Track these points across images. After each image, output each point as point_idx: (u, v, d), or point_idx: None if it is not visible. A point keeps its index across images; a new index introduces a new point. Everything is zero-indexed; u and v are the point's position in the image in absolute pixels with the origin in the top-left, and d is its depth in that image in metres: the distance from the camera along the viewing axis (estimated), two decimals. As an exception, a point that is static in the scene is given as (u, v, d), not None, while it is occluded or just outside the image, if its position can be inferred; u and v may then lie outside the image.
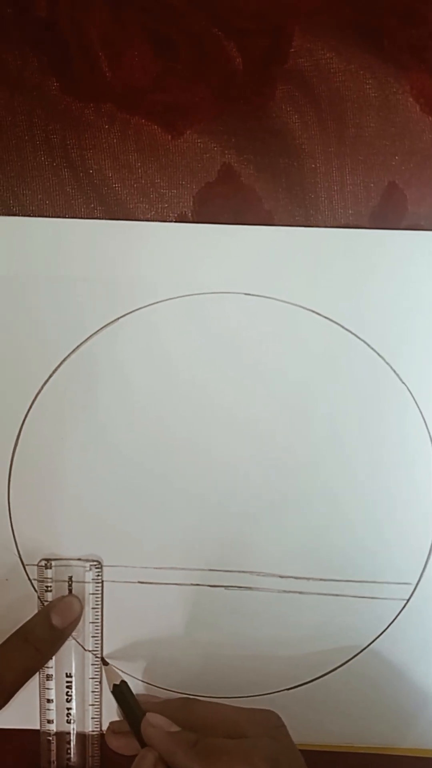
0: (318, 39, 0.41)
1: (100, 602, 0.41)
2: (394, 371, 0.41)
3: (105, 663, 0.41)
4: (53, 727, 0.41)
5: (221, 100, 0.42)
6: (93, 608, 0.41)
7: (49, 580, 0.41)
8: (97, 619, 0.41)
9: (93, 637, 0.41)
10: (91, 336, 0.42)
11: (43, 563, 0.41)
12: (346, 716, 0.41)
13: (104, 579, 0.41)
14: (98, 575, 0.41)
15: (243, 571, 0.41)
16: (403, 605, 0.41)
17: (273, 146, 0.42)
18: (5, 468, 0.42)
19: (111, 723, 0.41)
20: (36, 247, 0.42)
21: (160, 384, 0.42)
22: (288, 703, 0.41)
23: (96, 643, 0.41)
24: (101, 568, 0.41)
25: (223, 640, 0.41)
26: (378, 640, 0.41)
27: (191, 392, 0.42)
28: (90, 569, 0.41)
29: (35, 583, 0.42)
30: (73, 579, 0.41)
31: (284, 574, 0.41)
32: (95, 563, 0.41)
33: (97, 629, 0.41)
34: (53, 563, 0.41)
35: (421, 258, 0.41)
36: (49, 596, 0.41)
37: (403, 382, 0.41)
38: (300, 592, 0.41)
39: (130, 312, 0.42)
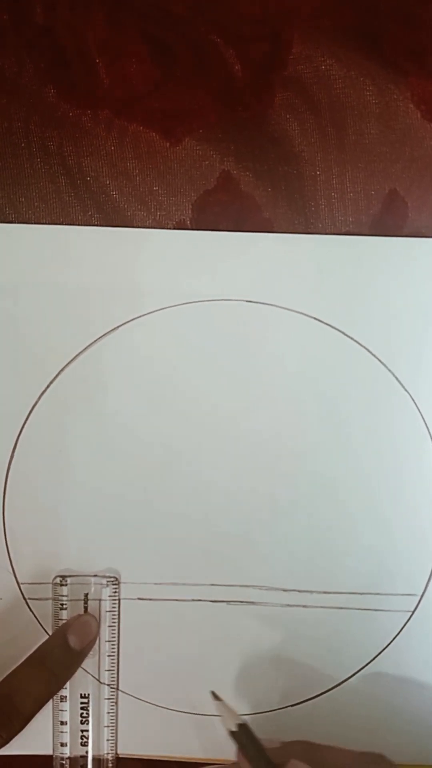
0: (318, 45, 0.41)
1: (117, 620, 0.40)
2: (396, 378, 0.41)
3: (217, 698, 0.37)
4: (67, 751, 0.40)
5: (220, 107, 0.41)
6: (110, 626, 0.40)
7: (64, 597, 0.40)
8: (114, 637, 0.40)
9: (109, 656, 0.40)
10: (89, 345, 0.41)
11: (58, 580, 0.40)
12: (352, 732, 0.40)
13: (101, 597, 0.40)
14: (115, 592, 0.40)
15: (245, 585, 0.41)
16: (408, 617, 0.41)
17: (272, 154, 0.42)
18: (0, 480, 0.41)
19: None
20: (33, 254, 0.41)
21: (160, 393, 0.41)
22: (292, 720, 0.40)
23: (112, 663, 0.40)
24: (118, 584, 0.40)
25: (224, 657, 0.41)
26: (383, 653, 0.40)
27: (192, 401, 0.41)
28: (107, 585, 0.40)
29: (51, 600, 0.40)
30: (89, 596, 0.40)
31: (287, 588, 0.41)
32: (113, 579, 0.40)
33: (113, 648, 0.40)
34: (69, 580, 0.40)
35: (422, 265, 0.41)
36: (64, 614, 0.40)
37: (405, 389, 0.41)
38: (304, 606, 0.41)
39: (130, 320, 0.41)
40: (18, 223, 0.41)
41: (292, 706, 0.40)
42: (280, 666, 0.40)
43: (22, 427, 0.41)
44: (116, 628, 0.40)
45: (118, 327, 0.41)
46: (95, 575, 0.40)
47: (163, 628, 0.41)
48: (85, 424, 0.41)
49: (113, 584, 0.40)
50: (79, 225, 0.41)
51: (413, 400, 0.41)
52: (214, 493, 0.41)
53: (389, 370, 0.41)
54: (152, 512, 0.41)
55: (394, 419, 0.41)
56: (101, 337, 0.41)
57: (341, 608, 0.41)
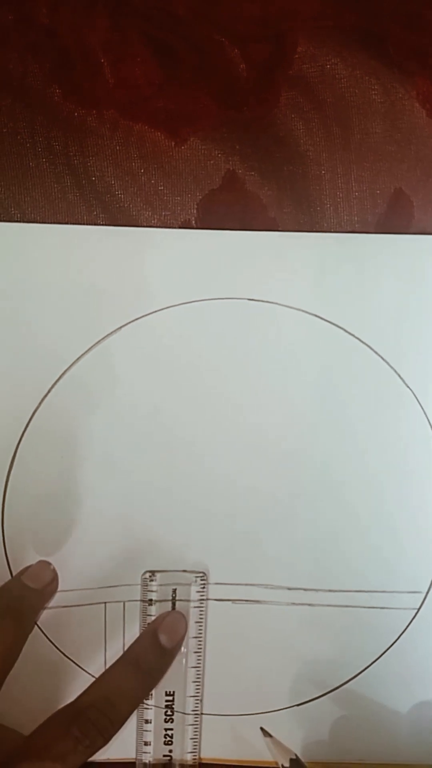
0: (322, 45, 0.41)
1: (204, 616, 0.40)
2: (399, 376, 0.41)
3: (268, 735, 0.39)
4: (150, 750, 0.40)
5: (225, 106, 0.41)
6: (197, 622, 0.40)
7: (153, 593, 0.40)
8: (201, 633, 0.40)
9: (195, 653, 0.40)
10: (93, 345, 0.41)
11: (147, 575, 0.40)
12: (358, 732, 0.40)
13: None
14: (203, 587, 0.40)
15: (250, 584, 0.41)
16: (414, 614, 0.40)
17: (277, 153, 0.42)
18: (0, 485, 0.41)
19: None
20: (38, 254, 0.41)
21: (164, 392, 0.41)
22: (298, 720, 0.40)
23: (198, 660, 0.40)
24: (207, 579, 0.40)
25: (230, 656, 0.40)
26: (390, 650, 0.40)
27: (196, 400, 0.41)
28: (196, 581, 0.40)
29: (139, 596, 0.40)
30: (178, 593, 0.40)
31: (293, 586, 0.41)
32: (201, 574, 0.40)
33: (200, 644, 0.40)
34: (158, 575, 0.40)
35: (426, 263, 0.41)
36: (153, 610, 0.40)
37: (408, 387, 0.41)
38: (309, 604, 0.40)
39: (134, 320, 0.41)
40: (23, 223, 0.41)
41: (298, 705, 0.40)
42: (285, 665, 0.40)
43: (24, 431, 0.41)
44: (203, 624, 0.40)
45: (122, 327, 0.41)
46: (184, 571, 0.40)
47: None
48: (89, 425, 0.41)
49: (202, 580, 0.40)
50: (84, 225, 0.41)
51: (417, 398, 0.41)
52: (219, 491, 0.41)
53: (393, 369, 0.41)
54: (155, 511, 0.41)
55: (398, 417, 0.41)
56: (106, 336, 0.41)
57: (347, 606, 0.40)
